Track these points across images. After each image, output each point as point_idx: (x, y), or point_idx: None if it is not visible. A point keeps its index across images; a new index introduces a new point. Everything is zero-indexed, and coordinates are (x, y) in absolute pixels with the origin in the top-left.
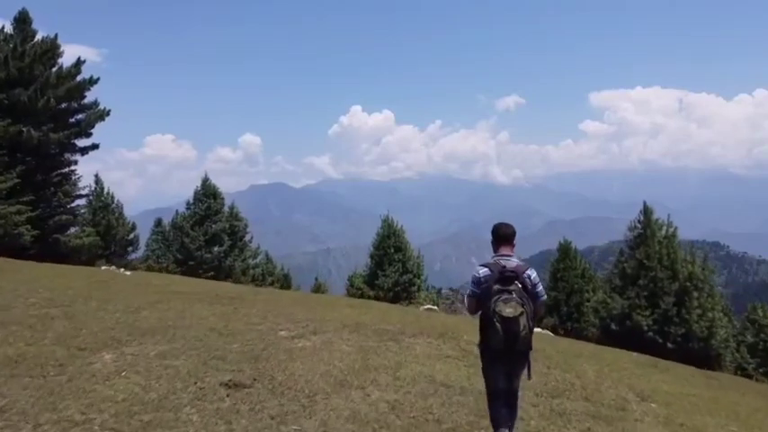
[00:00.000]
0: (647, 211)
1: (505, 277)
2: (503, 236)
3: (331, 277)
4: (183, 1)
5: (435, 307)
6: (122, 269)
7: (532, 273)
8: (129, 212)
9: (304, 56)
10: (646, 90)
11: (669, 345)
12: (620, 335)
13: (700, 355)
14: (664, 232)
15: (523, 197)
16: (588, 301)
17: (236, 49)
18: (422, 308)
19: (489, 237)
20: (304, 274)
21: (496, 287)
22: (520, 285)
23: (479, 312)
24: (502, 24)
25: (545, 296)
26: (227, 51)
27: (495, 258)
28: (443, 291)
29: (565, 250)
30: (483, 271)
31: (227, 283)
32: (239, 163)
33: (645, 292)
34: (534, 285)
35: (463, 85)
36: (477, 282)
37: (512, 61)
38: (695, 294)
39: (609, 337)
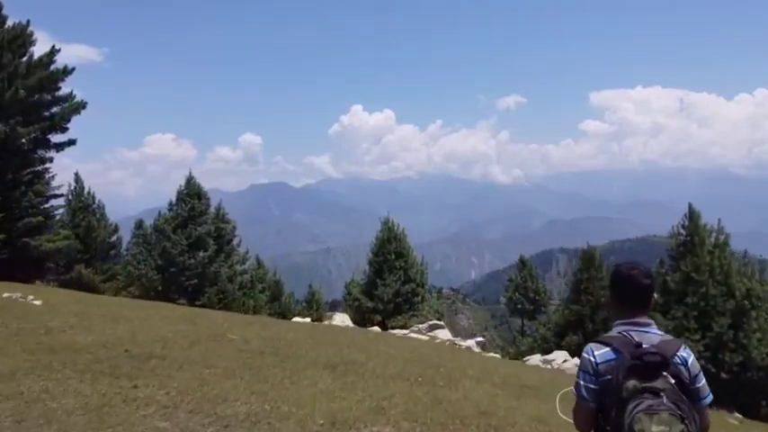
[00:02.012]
0: (692, 215)
1: (646, 365)
2: (638, 291)
3: (331, 277)
4: (183, 0)
5: (441, 322)
6: (31, 296)
7: (689, 355)
8: (130, 212)
9: (305, 55)
10: (646, 90)
11: (723, 375)
12: None
13: (758, 385)
14: (713, 240)
15: (523, 197)
16: None
17: (237, 48)
18: (427, 323)
19: (489, 236)
20: (304, 274)
21: (631, 384)
22: (672, 380)
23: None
24: (502, 24)
25: (710, 395)
26: (227, 50)
27: (623, 328)
28: (444, 291)
29: (588, 258)
30: (601, 352)
31: (169, 313)
32: (239, 162)
33: (694, 311)
34: (694, 378)
35: (464, 84)
36: (592, 371)
37: (512, 61)
38: (753, 314)
39: None
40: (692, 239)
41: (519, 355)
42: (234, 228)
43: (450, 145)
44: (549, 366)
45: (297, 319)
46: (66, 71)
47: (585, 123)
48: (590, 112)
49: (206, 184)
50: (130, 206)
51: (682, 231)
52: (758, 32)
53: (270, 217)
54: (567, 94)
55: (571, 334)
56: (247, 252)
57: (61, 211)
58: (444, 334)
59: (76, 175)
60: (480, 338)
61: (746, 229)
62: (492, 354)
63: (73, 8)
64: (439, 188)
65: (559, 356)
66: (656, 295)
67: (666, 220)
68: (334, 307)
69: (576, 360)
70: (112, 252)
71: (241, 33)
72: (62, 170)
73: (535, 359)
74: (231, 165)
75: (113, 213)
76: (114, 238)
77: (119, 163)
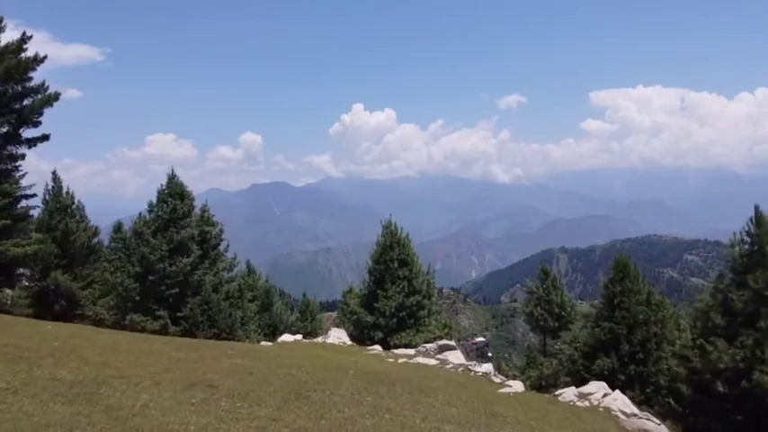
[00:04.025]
0: (760, 220)
1: None
2: None
3: (332, 276)
4: (184, 0)
5: (452, 342)
6: None
7: None
8: (132, 211)
9: (305, 54)
10: (647, 89)
11: None
12: (731, 399)
13: None
14: None
15: (524, 196)
16: (656, 335)
17: (237, 48)
18: (436, 343)
19: (490, 235)
20: (305, 273)
21: None
22: None
23: None
24: (503, 23)
25: None
26: (228, 49)
27: None
28: (445, 290)
29: (622, 268)
30: None
31: (69, 374)
32: (240, 162)
33: None
34: None
35: (465, 83)
36: None
37: (514, 60)
38: None
39: (708, 398)
40: (762, 249)
41: (541, 379)
42: (221, 231)
43: (450, 144)
44: (586, 403)
45: (286, 336)
46: (38, 59)
47: (586, 122)
48: (591, 111)
49: (207, 183)
50: (132, 205)
51: (746, 239)
52: (759, 31)
53: (271, 216)
54: (569, 94)
55: (603, 356)
56: (236, 257)
57: (34, 213)
58: (456, 356)
59: (54, 173)
60: (482, 338)
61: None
62: (515, 385)
63: (73, 8)
64: (440, 187)
65: (597, 389)
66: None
67: (667, 219)
68: (334, 307)
69: (618, 394)
70: (92, 257)
71: (241, 33)
72: (62, 170)
73: (569, 393)
74: (232, 164)
75: (115, 213)
76: (95, 241)
77: (120, 162)
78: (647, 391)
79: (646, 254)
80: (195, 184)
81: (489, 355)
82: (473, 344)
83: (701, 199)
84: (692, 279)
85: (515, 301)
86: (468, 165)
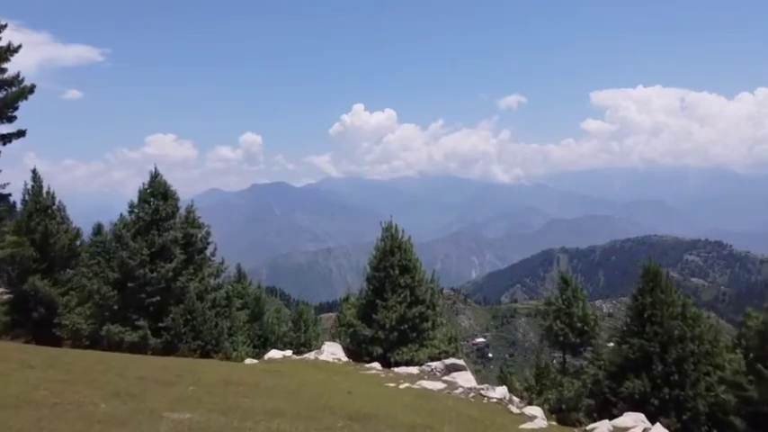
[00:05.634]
0: None
1: None
2: None
3: (332, 276)
4: (184, 0)
5: (461, 360)
6: None
7: None
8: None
9: (306, 54)
10: (647, 89)
11: None
12: None
13: None
14: None
15: (524, 196)
16: (693, 353)
17: (238, 47)
18: (442, 362)
19: (490, 236)
20: (305, 274)
21: None
22: None
23: None
24: (504, 24)
25: None
26: (228, 49)
27: None
28: (445, 291)
29: (653, 277)
30: None
31: None
32: (240, 162)
33: None
34: None
35: (465, 83)
36: None
37: (514, 60)
38: None
39: None
40: None
41: (561, 402)
42: (208, 233)
43: (450, 144)
44: None
45: (274, 353)
46: (11, 49)
47: (586, 122)
48: (591, 111)
49: (207, 184)
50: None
51: None
52: (759, 32)
53: (271, 216)
54: (569, 94)
55: (633, 378)
56: (223, 262)
57: (12, 214)
58: (465, 379)
59: (34, 172)
60: (482, 339)
61: (749, 230)
62: (536, 416)
63: (73, 8)
64: (440, 187)
65: (635, 423)
66: None
67: (667, 219)
68: (333, 308)
69: (660, 428)
70: (74, 261)
71: (241, 33)
72: (62, 171)
73: (603, 429)
74: (232, 164)
75: (115, 213)
76: (78, 243)
77: (120, 163)
78: (685, 418)
79: (646, 254)
80: (195, 185)
81: (490, 355)
82: (473, 344)
83: (701, 199)
84: (693, 279)
85: (516, 301)
86: (468, 165)
